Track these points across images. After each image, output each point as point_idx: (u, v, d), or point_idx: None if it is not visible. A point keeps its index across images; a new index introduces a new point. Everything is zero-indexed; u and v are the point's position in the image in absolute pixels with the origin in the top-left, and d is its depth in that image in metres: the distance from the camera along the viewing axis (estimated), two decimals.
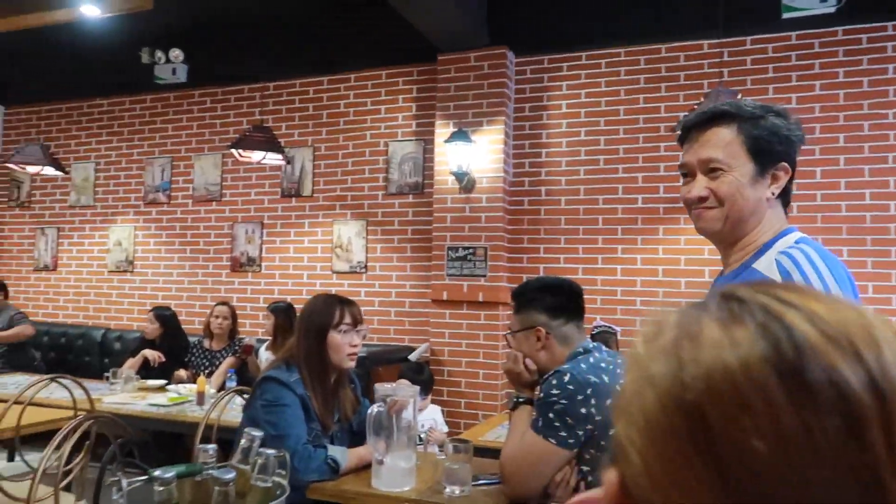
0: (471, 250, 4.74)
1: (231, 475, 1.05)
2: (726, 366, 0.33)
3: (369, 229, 5.32)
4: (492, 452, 2.56)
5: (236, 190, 5.81)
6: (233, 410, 3.12)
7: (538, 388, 1.92)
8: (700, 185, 1.29)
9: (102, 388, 4.00)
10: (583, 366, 1.81)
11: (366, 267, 5.31)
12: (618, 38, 4.65)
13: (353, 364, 2.22)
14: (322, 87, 5.55)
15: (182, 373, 4.41)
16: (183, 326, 4.91)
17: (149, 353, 4.51)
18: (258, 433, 1.20)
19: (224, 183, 5.86)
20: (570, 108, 4.80)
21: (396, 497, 1.90)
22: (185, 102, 6.04)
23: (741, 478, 0.31)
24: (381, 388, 1.96)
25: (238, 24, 5.58)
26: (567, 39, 4.78)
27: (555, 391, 1.77)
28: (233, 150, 4.41)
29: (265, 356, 4.39)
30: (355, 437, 2.28)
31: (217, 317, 4.57)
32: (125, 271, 6.19)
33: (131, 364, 4.45)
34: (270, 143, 4.46)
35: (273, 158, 4.52)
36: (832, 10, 3.82)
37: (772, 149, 1.27)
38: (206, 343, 4.59)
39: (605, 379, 1.81)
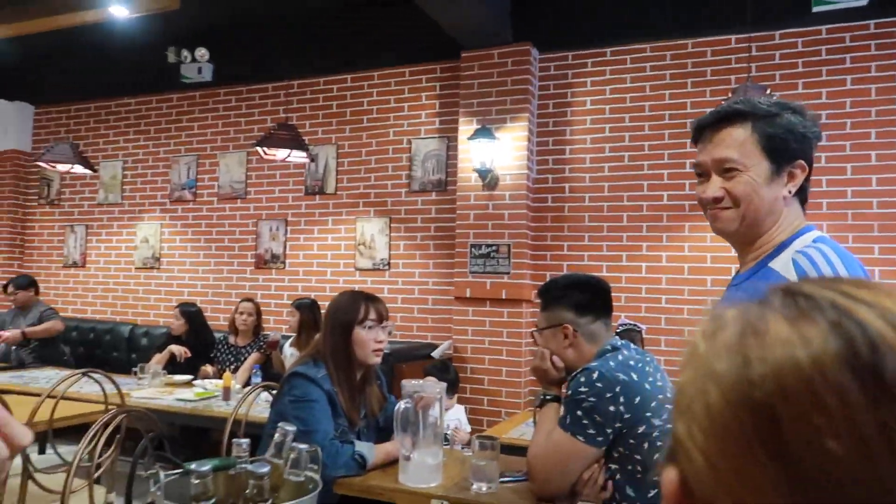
0: (494, 247, 4.73)
1: (266, 469, 1.06)
2: (797, 364, 0.32)
3: (392, 226, 5.33)
4: (516, 450, 2.56)
5: (261, 187, 5.86)
6: (258, 406, 3.15)
7: (565, 385, 1.91)
8: (715, 186, 1.27)
9: (130, 383, 4.06)
10: (611, 363, 1.80)
11: (389, 264, 5.32)
12: (643, 34, 4.61)
13: (378, 360, 2.23)
14: (346, 84, 5.58)
15: (208, 368, 4.46)
16: (208, 322, 4.97)
17: (175, 349, 4.57)
18: (291, 428, 1.21)
19: (249, 181, 5.91)
20: (594, 105, 4.77)
21: (424, 493, 1.90)
22: (211, 101, 6.11)
23: (813, 477, 0.30)
24: (408, 384, 1.96)
25: (262, 23, 5.63)
26: (591, 35, 4.75)
27: (583, 389, 1.76)
28: (258, 148, 4.45)
29: (289, 352, 4.42)
30: (381, 434, 2.29)
31: (242, 313, 4.61)
32: (152, 268, 6.28)
33: (158, 359, 4.51)
34: (295, 140, 4.48)
35: (297, 156, 4.54)
36: (864, 3, 3.75)
37: (787, 147, 1.25)
38: (232, 339, 4.64)
39: (634, 377, 1.79)
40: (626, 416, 1.75)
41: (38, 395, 2.86)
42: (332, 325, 2.22)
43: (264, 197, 5.84)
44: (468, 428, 3.77)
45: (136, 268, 6.35)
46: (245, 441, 1.16)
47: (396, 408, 1.94)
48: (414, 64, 5.31)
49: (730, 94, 3.72)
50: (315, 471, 1.16)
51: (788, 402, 0.31)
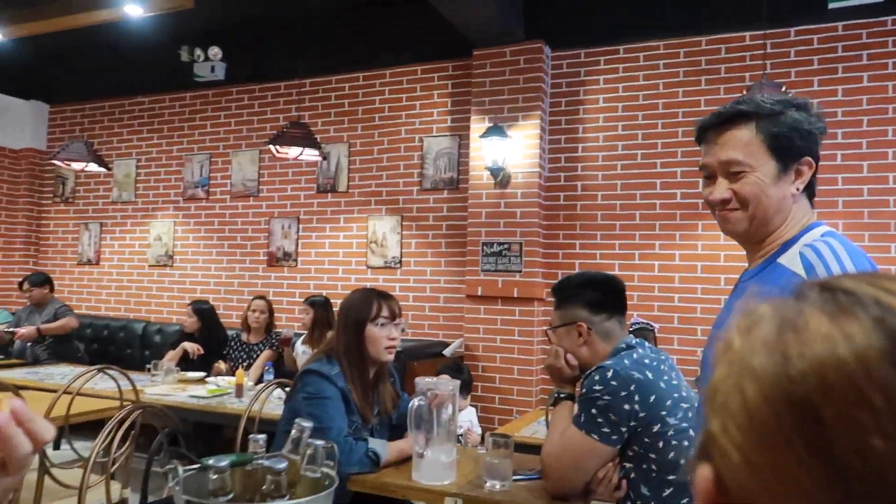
0: (506, 246, 4.72)
1: (283, 465, 1.07)
2: (840, 360, 0.31)
3: (404, 224, 5.33)
4: (528, 449, 2.55)
5: (273, 186, 5.88)
6: (270, 403, 3.16)
7: (579, 383, 1.91)
8: (722, 188, 1.26)
9: (144, 380, 4.09)
10: (626, 362, 1.79)
11: (400, 262, 5.33)
12: (656, 31, 4.58)
13: (391, 357, 2.23)
14: (357, 83, 5.59)
15: (221, 365, 4.49)
16: (221, 320, 4.99)
17: (188, 346, 4.59)
18: (308, 424, 1.22)
19: (261, 179, 5.94)
20: (606, 103, 4.75)
21: (437, 490, 1.90)
22: (224, 99, 6.14)
23: (856, 475, 0.30)
24: (422, 381, 1.96)
25: (275, 21, 5.64)
26: (604, 33, 4.73)
27: (598, 387, 1.75)
28: (270, 147, 4.46)
29: (301, 349, 4.44)
30: (394, 431, 2.29)
31: (254, 311, 4.63)
32: (165, 265, 6.32)
33: (171, 356, 4.54)
34: (307, 139, 4.49)
35: (310, 154, 4.55)
36: None
37: (793, 145, 1.24)
38: (244, 336, 4.66)
39: (649, 375, 1.78)
40: (641, 414, 1.74)
41: (54, 391, 2.89)
42: (345, 322, 2.22)
43: (276, 195, 5.86)
44: (479, 430, 3.77)
45: (149, 265, 6.40)
46: (262, 437, 1.17)
47: (410, 405, 1.94)
48: (426, 62, 5.31)
49: (744, 92, 3.69)
50: (331, 467, 1.17)
51: (831, 399, 0.31)
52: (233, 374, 4.12)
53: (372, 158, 5.50)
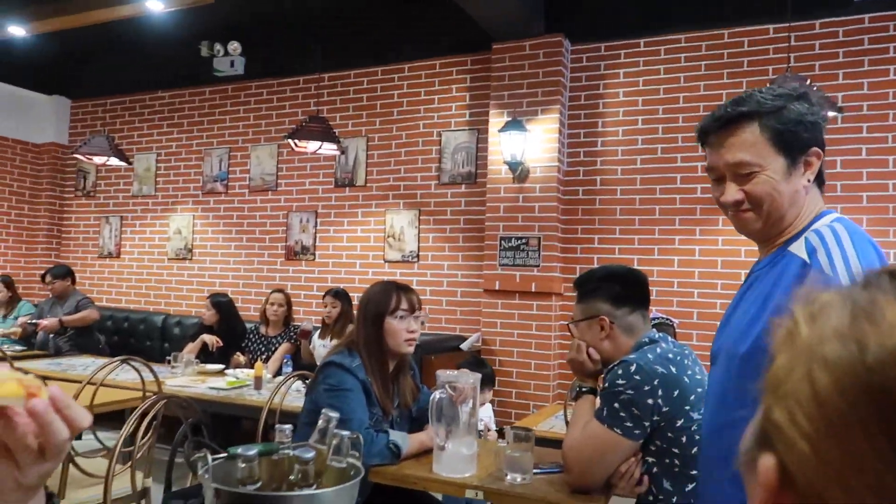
0: (524, 240, 4.71)
1: (311, 454, 1.07)
2: None
3: (421, 219, 5.34)
4: (545, 443, 2.55)
5: (291, 180, 5.91)
6: (289, 395, 3.18)
7: (602, 377, 1.90)
8: (733, 190, 1.25)
9: (164, 372, 4.12)
10: (650, 356, 1.78)
11: (418, 256, 5.33)
12: (678, 24, 4.53)
13: (411, 349, 2.23)
14: (376, 77, 5.59)
15: (240, 358, 4.52)
16: (239, 313, 5.03)
17: (207, 338, 4.64)
18: (335, 414, 1.22)
19: (279, 173, 5.96)
20: (627, 97, 4.71)
21: (458, 483, 1.90)
22: (243, 94, 6.17)
23: None
24: (443, 374, 1.96)
25: (294, 16, 5.65)
26: (625, 26, 4.69)
27: (621, 381, 1.74)
28: (289, 140, 4.48)
29: (318, 343, 4.46)
30: (414, 424, 2.29)
31: (273, 304, 4.66)
32: (184, 259, 6.37)
33: (191, 348, 4.58)
34: (326, 133, 4.50)
35: (328, 148, 4.57)
36: None
37: (799, 138, 1.22)
38: (263, 329, 4.69)
39: (673, 370, 1.77)
40: (665, 409, 1.73)
41: (76, 381, 2.93)
42: (365, 315, 2.23)
43: (295, 189, 5.89)
44: (493, 426, 3.77)
45: (168, 258, 6.45)
46: (288, 427, 1.18)
47: (431, 398, 1.94)
48: (444, 56, 5.30)
49: (768, 85, 3.64)
50: (356, 458, 1.17)
51: None
52: (251, 367, 4.16)
53: (390, 153, 5.50)
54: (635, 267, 4.41)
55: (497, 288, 4.77)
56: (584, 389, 1.96)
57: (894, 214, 4.00)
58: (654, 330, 1.95)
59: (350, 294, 4.57)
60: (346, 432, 1.19)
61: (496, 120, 4.78)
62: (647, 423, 1.73)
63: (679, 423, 1.74)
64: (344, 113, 5.68)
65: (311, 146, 4.53)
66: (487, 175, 4.87)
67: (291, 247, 5.87)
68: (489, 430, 3.50)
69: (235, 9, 5.53)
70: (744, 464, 0.39)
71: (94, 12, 5.09)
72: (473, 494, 1.88)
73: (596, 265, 4.56)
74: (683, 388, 1.76)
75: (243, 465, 1.04)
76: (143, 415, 2.18)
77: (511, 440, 1.92)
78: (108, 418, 3.05)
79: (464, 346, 4.71)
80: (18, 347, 5.12)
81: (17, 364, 3.91)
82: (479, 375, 2.03)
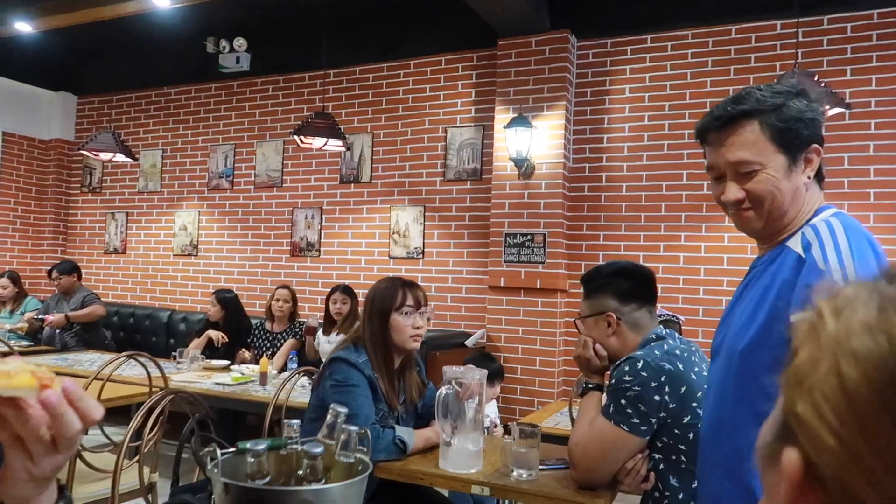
0: (529, 237, 4.70)
1: (320, 449, 1.07)
2: None
3: (427, 215, 5.33)
4: (550, 439, 2.54)
5: (297, 176, 5.91)
6: (294, 391, 3.19)
7: (609, 374, 1.89)
8: (734, 189, 1.25)
9: (169, 367, 4.14)
10: (657, 353, 1.77)
11: (423, 253, 5.33)
12: (685, 20, 4.52)
13: (417, 345, 2.23)
14: (382, 73, 5.58)
15: (245, 354, 4.54)
16: (244, 309, 5.04)
17: (213, 334, 4.65)
18: (343, 409, 1.22)
19: (285, 169, 5.97)
20: (633, 93, 4.69)
21: (464, 479, 1.90)
22: (248, 90, 6.17)
23: None
24: (450, 370, 1.96)
25: (300, 12, 5.65)
26: (631, 22, 4.67)
27: (627, 377, 1.74)
28: (295, 137, 4.48)
29: (323, 339, 4.46)
30: (419, 420, 2.30)
31: (278, 300, 4.67)
32: (190, 255, 6.39)
33: (196, 344, 4.60)
34: (332, 129, 4.50)
35: (334, 145, 4.57)
36: None
37: (799, 135, 1.23)
38: (268, 325, 4.70)
39: (680, 366, 1.76)
40: (672, 405, 1.73)
41: (83, 377, 2.94)
42: (371, 311, 2.23)
43: (300, 186, 5.89)
44: (498, 422, 3.77)
45: (174, 254, 6.47)
46: (296, 422, 1.18)
47: (438, 393, 1.94)
48: (450, 52, 5.29)
49: (775, 81, 3.62)
50: (364, 453, 1.17)
51: None
52: (256, 363, 4.16)
53: (395, 149, 5.50)
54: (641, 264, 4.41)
55: (502, 284, 4.77)
56: (590, 386, 1.96)
57: None
58: (661, 326, 1.95)
59: (355, 290, 4.58)
60: (354, 427, 1.19)
61: (502, 116, 4.77)
62: (653, 420, 1.73)
63: (686, 419, 1.74)
64: (349, 109, 5.68)
65: (317, 142, 4.53)
66: (493, 171, 4.87)
67: (297, 243, 5.87)
68: (496, 426, 3.50)
69: (241, 5, 5.54)
70: (763, 458, 0.38)
71: (100, 8, 5.10)
72: (479, 490, 1.88)
73: (601, 262, 4.54)
74: (690, 385, 1.75)
75: (252, 460, 1.04)
76: (150, 410, 2.18)
77: (517, 436, 1.92)
78: (113, 413, 3.06)
79: (468, 342, 4.71)
80: (25, 342, 5.15)
81: (24, 359, 3.93)
82: (485, 371, 2.03)
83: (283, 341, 4.59)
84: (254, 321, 4.90)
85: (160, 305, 6.40)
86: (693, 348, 1.89)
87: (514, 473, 1.90)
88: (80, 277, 5.47)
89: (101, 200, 6.96)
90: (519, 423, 2.02)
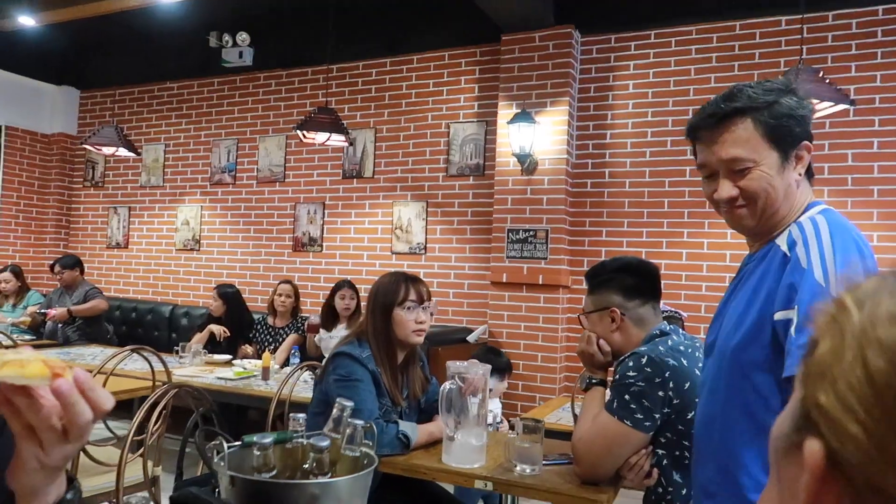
0: (531, 233, 4.70)
1: (326, 443, 1.07)
2: None
3: (429, 211, 5.33)
4: (552, 434, 2.54)
5: (299, 171, 5.91)
6: (296, 386, 3.19)
7: (613, 369, 1.89)
8: (727, 186, 1.25)
9: (172, 361, 4.14)
10: (661, 348, 1.77)
11: (425, 248, 5.33)
12: (689, 16, 4.50)
13: (420, 340, 2.23)
14: (385, 69, 5.57)
15: (248, 348, 4.54)
16: (247, 304, 5.04)
17: (215, 328, 4.65)
18: (349, 403, 1.22)
19: (287, 164, 5.96)
20: (637, 89, 4.68)
21: (467, 473, 1.90)
22: (251, 85, 6.16)
23: None
24: (453, 365, 1.96)
25: (303, 7, 5.64)
26: (635, 17, 4.66)
27: (631, 373, 1.74)
28: (297, 132, 4.47)
29: (324, 334, 4.47)
30: (422, 415, 2.30)
31: (280, 295, 4.67)
32: (192, 249, 6.39)
33: (198, 339, 4.60)
34: (335, 124, 4.49)
35: (336, 140, 4.56)
36: None
37: (791, 132, 1.23)
38: (270, 320, 4.71)
39: (684, 362, 1.76)
40: (675, 401, 1.73)
41: (89, 371, 2.93)
42: (374, 305, 2.23)
43: (302, 181, 5.89)
44: (500, 418, 3.77)
45: (176, 249, 6.47)
46: (302, 415, 1.18)
47: (441, 388, 1.94)
48: (454, 47, 5.28)
49: (779, 78, 3.61)
50: (370, 447, 1.17)
51: None
52: (259, 358, 4.17)
53: (398, 144, 5.49)
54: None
55: (504, 280, 4.77)
56: (594, 381, 1.96)
57: None
58: (665, 322, 1.95)
59: (357, 286, 4.58)
60: (359, 421, 1.19)
61: (505, 111, 4.77)
62: (657, 416, 1.73)
63: (689, 415, 1.74)
64: (352, 104, 5.67)
65: (320, 137, 4.52)
66: (496, 167, 4.86)
67: (299, 238, 5.87)
68: (500, 421, 3.50)
69: (244, 0, 5.53)
70: (780, 450, 0.38)
71: (102, 2, 5.09)
72: (482, 485, 1.88)
73: (604, 258, 4.54)
74: (694, 381, 1.75)
75: (258, 453, 1.04)
76: (154, 404, 2.19)
77: (520, 431, 1.92)
78: (116, 408, 3.06)
79: (470, 338, 4.71)
80: (28, 336, 5.16)
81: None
82: (489, 366, 2.03)
83: (285, 336, 4.59)
84: (256, 316, 4.90)
85: (162, 300, 6.41)
86: (697, 344, 1.89)
87: (518, 468, 1.90)
88: (82, 272, 5.47)
89: (103, 195, 6.96)
90: (522, 418, 2.02)
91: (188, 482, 1.81)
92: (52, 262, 5.57)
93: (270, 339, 4.63)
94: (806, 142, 1.25)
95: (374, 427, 1.57)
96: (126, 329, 6.08)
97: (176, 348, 4.46)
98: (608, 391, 1.88)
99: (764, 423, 1.17)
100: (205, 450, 1.09)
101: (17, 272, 5.54)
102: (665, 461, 1.78)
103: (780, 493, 0.39)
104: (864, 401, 0.32)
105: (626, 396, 1.74)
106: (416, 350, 2.31)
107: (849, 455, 0.33)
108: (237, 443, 1.09)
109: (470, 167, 5.20)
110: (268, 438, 1.05)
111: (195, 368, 4.07)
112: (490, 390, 3.30)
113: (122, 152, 5.23)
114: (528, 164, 4.68)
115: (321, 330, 4.48)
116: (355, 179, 5.66)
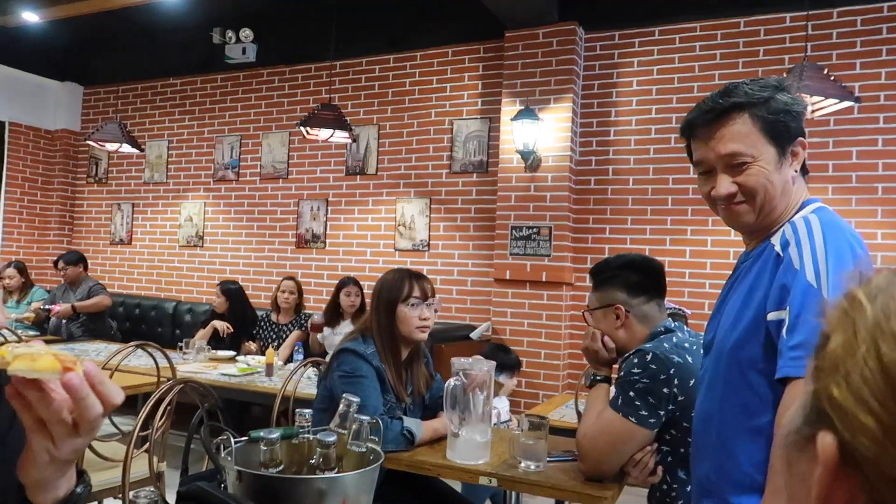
0: (535, 230, 4.70)
1: (333, 438, 1.08)
2: None
3: (433, 207, 5.33)
4: (555, 431, 2.54)
5: (302, 168, 5.91)
6: (300, 382, 3.19)
7: (617, 366, 1.90)
8: (726, 182, 1.25)
9: (175, 358, 4.14)
10: (665, 345, 1.77)
11: (428, 245, 5.33)
12: (693, 12, 4.49)
13: (424, 337, 2.23)
14: (388, 65, 5.57)
15: (251, 345, 4.55)
16: (250, 300, 5.05)
17: (218, 324, 4.66)
18: (355, 398, 1.22)
19: (291, 161, 5.97)
20: (640, 86, 4.67)
21: (471, 470, 1.91)
22: (254, 81, 6.16)
23: None
24: (458, 361, 1.96)
25: (306, 4, 5.64)
26: (639, 14, 4.65)
27: (636, 370, 1.74)
28: (301, 128, 4.47)
29: (327, 332, 4.47)
30: (427, 412, 2.30)
31: (284, 291, 4.68)
32: (195, 246, 6.40)
33: (202, 335, 4.61)
34: (338, 121, 4.50)
35: (340, 136, 4.56)
36: None
37: (787, 128, 1.24)
38: (273, 317, 4.72)
39: (689, 359, 1.76)
40: (680, 398, 1.73)
41: None
42: (378, 302, 2.24)
43: (306, 177, 5.89)
44: (505, 417, 3.77)
45: (180, 245, 6.48)
46: (308, 411, 1.18)
47: (446, 385, 1.94)
48: (457, 44, 5.27)
49: (785, 75, 3.60)
50: (376, 442, 1.17)
51: None
52: (262, 354, 4.17)
53: (401, 141, 5.49)
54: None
55: (508, 277, 4.77)
56: (598, 378, 1.96)
57: None
58: (670, 319, 1.95)
59: (360, 282, 4.59)
60: (365, 417, 1.20)
61: (508, 108, 4.76)
62: (662, 413, 1.73)
63: (694, 412, 1.74)
64: (356, 101, 5.67)
65: (323, 134, 4.52)
66: (499, 164, 4.86)
67: (302, 235, 5.88)
68: (508, 419, 3.50)
69: None
70: (791, 444, 0.38)
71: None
72: (487, 482, 1.88)
73: (607, 255, 4.54)
74: (699, 378, 1.75)
75: (265, 449, 1.04)
76: (159, 400, 2.19)
77: (525, 428, 1.92)
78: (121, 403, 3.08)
79: (473, 335, 4.71)
80: (32, 332, 5.16)
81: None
82: (493, 363, 2.03)
83: (288, 333, 4.60)
84: (259, 313, 4.91)
85: (166, 296, 6.42)
86: (701, 341, 1.88)
87: (522, 465, 1.90)
88: (86, 268, 5.48)
89: (107, 191, 6.97)
90: (527, 414, 2.02)
91: (193, 477, 1.81)
92: (55, 258, 5.58)
93: (274, 336, 4.64)
94: (801, 138, 1.26)
95: (381, 423, 1.57)
96: (129, 325, 6.09)
97: (179, 344, 4.46)
98: (612, 388, 1.88)
99: (760, 422, 1.17)
100: (210, 445, 1.10)
101: (21, 268, 5.55)
102: (669, 458, 1.79)
103: (792, 488, 0.39)
104: (878, 393, 0.32)
105: (631, 393, 1.74)
106: (421, 347, 2.31)
107: (862, 447, 0.33)
108: (243, 438, 1.10)
109: (473, 164, 5.19)
110: (275, 434, 1.06)
111: (199, 364, 4.08)
112: (502, 386, 3.30)
113: (126, 148, 5.24)
114: (531, 160, 4.67)
115: (325, 328, 4.49)
116: (358, 176, 5.66)
